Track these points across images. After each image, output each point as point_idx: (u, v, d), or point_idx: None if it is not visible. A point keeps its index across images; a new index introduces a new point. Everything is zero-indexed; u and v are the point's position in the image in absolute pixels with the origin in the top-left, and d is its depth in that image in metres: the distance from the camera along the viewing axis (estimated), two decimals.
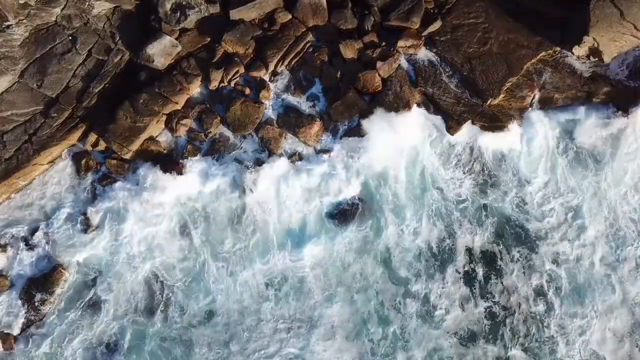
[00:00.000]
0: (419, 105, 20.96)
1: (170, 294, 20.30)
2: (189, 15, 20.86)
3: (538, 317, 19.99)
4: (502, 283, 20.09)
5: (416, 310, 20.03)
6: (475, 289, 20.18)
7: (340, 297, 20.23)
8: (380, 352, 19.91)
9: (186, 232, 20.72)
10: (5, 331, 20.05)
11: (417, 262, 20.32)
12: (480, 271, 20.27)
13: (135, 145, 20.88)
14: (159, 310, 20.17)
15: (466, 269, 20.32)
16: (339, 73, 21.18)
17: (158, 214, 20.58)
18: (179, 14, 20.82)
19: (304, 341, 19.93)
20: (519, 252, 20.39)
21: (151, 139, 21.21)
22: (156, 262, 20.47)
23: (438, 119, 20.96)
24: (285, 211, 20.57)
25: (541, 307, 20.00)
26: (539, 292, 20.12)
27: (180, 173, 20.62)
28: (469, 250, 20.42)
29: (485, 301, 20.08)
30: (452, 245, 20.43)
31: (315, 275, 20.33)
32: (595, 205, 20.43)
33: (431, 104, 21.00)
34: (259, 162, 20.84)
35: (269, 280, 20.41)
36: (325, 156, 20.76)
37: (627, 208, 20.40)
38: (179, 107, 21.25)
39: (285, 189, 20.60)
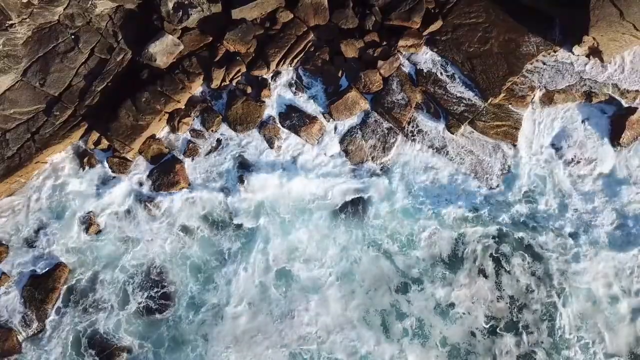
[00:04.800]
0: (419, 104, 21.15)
1: None
2: (191, 14, 20.95)
3: None
4: None
5: None
6: None
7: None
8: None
9: None
10: (9, 327, 20.12)
11: None
12: None
13: (137, 144, 20.96)
14: None
15: None
16: (340, 72, 21.29)
17: None
18: (181, 13, 20.92)
19: None
20: None
21: (153, 137, 21.30)
22: None
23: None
24: None
25: None
26: None
27: None
28: None
29: None
30: None
31: None
32: None
33: (432, 103, 21.11)
34: None
35: None
36: None
37: None
38: (180, 105, 21.34)
39: None
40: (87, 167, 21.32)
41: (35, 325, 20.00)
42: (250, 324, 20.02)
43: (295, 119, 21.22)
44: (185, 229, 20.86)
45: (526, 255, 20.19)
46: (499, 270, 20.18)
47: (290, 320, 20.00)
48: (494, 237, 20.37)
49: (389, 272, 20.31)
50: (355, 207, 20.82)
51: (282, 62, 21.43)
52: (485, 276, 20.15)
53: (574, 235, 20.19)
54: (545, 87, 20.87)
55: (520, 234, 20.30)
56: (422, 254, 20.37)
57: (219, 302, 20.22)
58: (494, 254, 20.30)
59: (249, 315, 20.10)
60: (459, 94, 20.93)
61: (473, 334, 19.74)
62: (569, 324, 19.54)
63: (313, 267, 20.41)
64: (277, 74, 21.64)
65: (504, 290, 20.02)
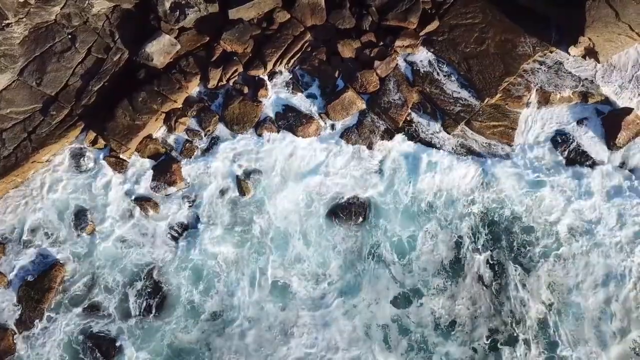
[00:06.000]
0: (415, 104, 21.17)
1: None
2: (188, 14, 20.96)
3: None
4: None
5: None
6: None
7: None
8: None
9: None
10: (4, 327, 20.09)
11: None
12: None
13: (134, 144, 20.95)
14: None
15: None
16: (337, 72, 21.31)
17: None
18: (178, 13, 20.93)
19: None
20: None
21: (150, 137, 21.30)
22: None
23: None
24: None
25: None
26: None
27: None
28: None
29: None
30: None
31: None
32: None
33: (428, 103, 21.14)
34: None
35: None
36: None
37: None
38: (177, 105, 21.33)
39: None
40: (83, 167, 21.31)
41: (31, 325, 19.95)
42: (251, 342, 19.93)
43: (292, 118, 21.23)
44: (183, 231, 20.80)
45: (519, 260, 20.20)
46: (492, 278, 20.17)
47: (291, 338, 19.93)
48: (490, 237, 20.43)
49: (389, 277, 20.32)
50: (353, 207, 20.76)
51: (279, 62, 21.45)
52: (484, 284, 20.15)
53: (570, 238, 20.21)
54: (541, 88, 20.94)
55: (514, 236, 20.37)
56: (421, 256, 20.38)
57: (219, 311, 20.12)
58: (489, 260, 20.27)
59: (249, 331, 20.01)
60: (455, 94, 20.96)
61: (474, 351, 19.80)
62: (565, 339, 19.55)
63: (311, 276, 20.35)
64: (274, 74, 21.65)
65: (494, 301, 20.03)
